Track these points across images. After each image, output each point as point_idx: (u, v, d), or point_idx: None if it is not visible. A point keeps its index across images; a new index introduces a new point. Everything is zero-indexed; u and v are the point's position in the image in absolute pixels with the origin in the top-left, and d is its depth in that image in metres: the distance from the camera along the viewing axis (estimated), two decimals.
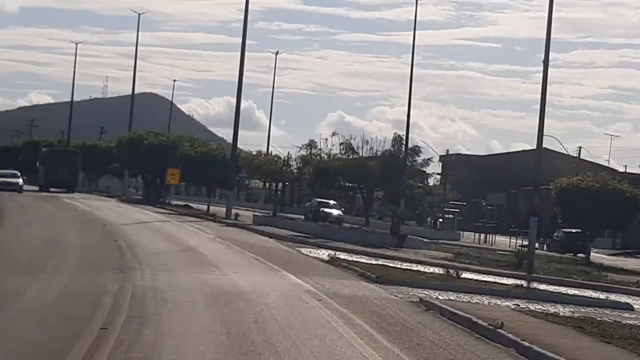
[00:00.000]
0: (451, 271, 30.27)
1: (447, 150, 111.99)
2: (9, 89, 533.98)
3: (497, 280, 33.38)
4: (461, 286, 28.11)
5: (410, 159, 52.09)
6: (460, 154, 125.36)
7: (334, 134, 52.27)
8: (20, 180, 74.75)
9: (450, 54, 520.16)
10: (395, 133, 52.19)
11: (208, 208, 66.22)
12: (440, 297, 25.07)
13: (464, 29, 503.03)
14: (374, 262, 35.90)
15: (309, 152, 53.02)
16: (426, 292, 26.17)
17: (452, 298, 25.42)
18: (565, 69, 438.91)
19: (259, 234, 47.95)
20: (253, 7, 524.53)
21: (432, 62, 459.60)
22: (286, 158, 56.45)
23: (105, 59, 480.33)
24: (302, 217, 71.93)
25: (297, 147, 55.96)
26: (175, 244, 35.22)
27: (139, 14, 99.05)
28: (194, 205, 77.81)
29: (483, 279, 33.16)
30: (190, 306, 18.64)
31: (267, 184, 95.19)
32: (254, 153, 58.61)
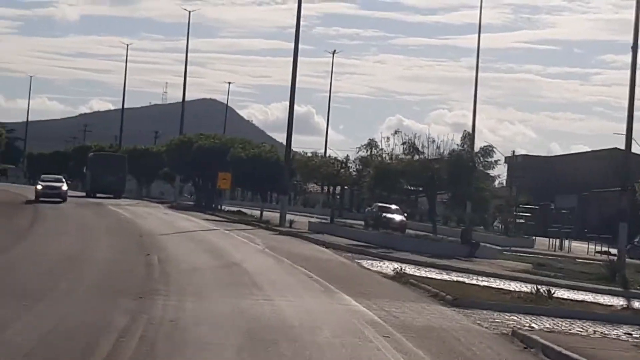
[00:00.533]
0: (541, 289, 25.34)
1: (513, 152, 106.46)
2: (71, 96, 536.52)
3: (594, 299, 28.41)
4: (556, 309, 23.23)
5: (481, 159, 47.02)
6: (527, 155, 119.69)
7: (396, 132, 47.30)
8: (65, 187, 67.82)
9: (509, 57, 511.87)
10: (465, 131, 47.17)
11: (261, 214, 61.73)
12: (534, 326, 20.30)
13: (521, 31, 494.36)
14: (446, 277, 31.12)
15: (368, 152, 48.21)
16: (515, 318, 21.41)
17: (548, 326, 20.61)
18: (625, 70, 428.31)
19: (314, 243, 43.33)
20: (310, 13, 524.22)
21: (491, 65, 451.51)
22: (344, 160, 51.75)
23: (164, 66, 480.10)
24: (362, 223, 67.42)
25: (356, 147, 51.19)
26: (217, 257, 30.69)
27: (190, 12, 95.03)
28: (248, 211, 73.44)
29: (577, 297, 28.24)
30: (217, 352, 14.02)
31: (325, 188, 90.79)
32: (309, 154, 54.03)
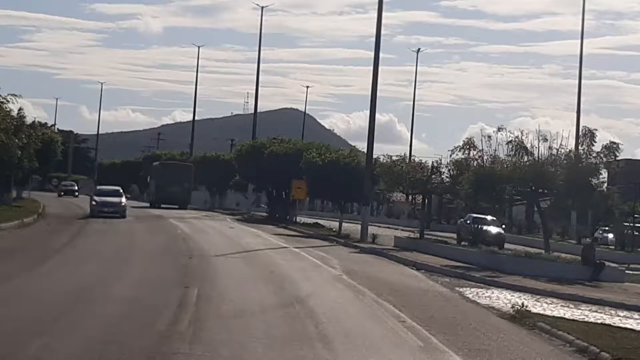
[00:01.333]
0: None
1: (615, 155, 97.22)
2: (154, 107, 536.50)
3: None
4: None
5: (601, 159, 39.01)
6: (631, 160, 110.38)
7: (499, 129, 39.36)
8: (123, 200, 58.90)
9: (591, 63, 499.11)
10: (584, 127, 39.14)
11: (340, 227, 54.49)
12: None
13: (604, 37, 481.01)
14: (580, 314, 23.52)
15: (466, 154, 40.48)
16: None
17: None
18: None
19: (402, 264, 35.90)
20: (391, 22, 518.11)
21: (573, 72, 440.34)
22: (436, 163, 44.06)
23: (246, 76, 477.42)
24: (454, 236, 59.90)
25: (450, 149, 43.61)
26: (277, 290, 23.39)
27: (262, 7, 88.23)
28: (326, 223, 66.35)
29: None
30: None
31: (411, 197, 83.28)
32: (395, 158, 46.40)
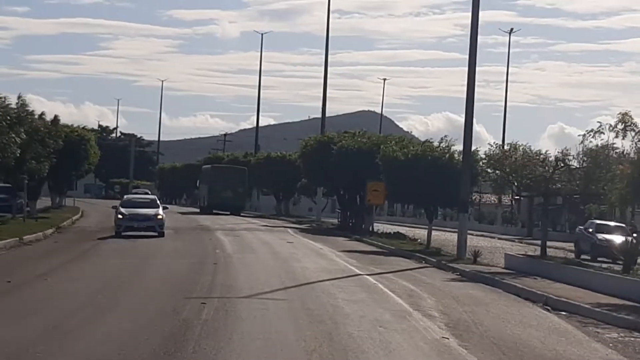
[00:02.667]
0: None
1: None
2: (232, 112, 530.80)
3: None
4: None
5: None
6: None
7: None
8: (160, 213, 44.14)
9: None
10: None
11: (429, 239, 42.84)
12: None
13: None
14: None
15: (606, 139, 28.63)
16: None
17: None
18: None
19: (529, 300, 24.13)
20: (468, 22, 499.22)
21: None
22: (561, 154, 31.90)
23: (323, 80, 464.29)
24: (565, 246, 48.48)
25: (581, 134, 31.61)
26: None
27: (328, 10, 76.98)
28: (408, 232, 54.97)
29: None
30: None
31: (509, 198, 71.59)
32: (507, 147, 34.53)
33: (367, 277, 27.60)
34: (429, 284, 26.77)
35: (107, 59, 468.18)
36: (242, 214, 74.10)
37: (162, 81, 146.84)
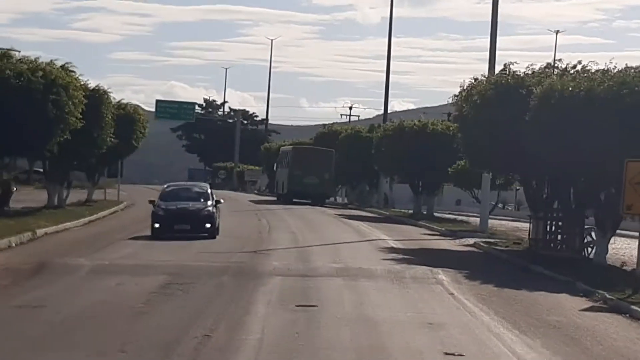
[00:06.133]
0: None
1: None
2: (370, 98, 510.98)
3: None
4: None
5: None
6: None
7: None
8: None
9: None
10: None
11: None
12: None
13: None
14: None
15: None
16: None
17: None
18: None
19: None
20: (610, 6, 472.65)
21: None
22: None
23: (462, 65, 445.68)
24: None
25: None
26: None
27: None
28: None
29: None
30: None
31: None
32: None
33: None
34: None
35: (246, 45, 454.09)
36: (334, 207, 64.14)
37: (272, 40, 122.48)
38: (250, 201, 65.54)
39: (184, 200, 33.22)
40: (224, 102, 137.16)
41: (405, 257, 28.49)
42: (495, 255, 31.43)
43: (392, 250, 31.07)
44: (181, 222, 31.96)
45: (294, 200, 65.11)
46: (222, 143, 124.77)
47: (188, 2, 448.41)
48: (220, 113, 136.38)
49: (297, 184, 66.16)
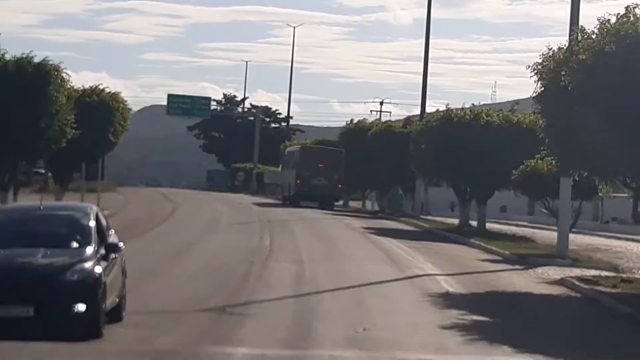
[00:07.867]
0: None
1: None
2: (401, 99, 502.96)
3: None
4: None
5: None
6: None
7: None
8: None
9: None
10: None
11: None
12: None
13: None
14: None
15: None
16: None
17: None
18: None
19: None
20: None
21: None
22: None
23: (493, 67, 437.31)
24: None
25: None
26: None
27: None
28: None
29: None
30: None
31: None
32: None
33: None
34: None
35: (277, 47, 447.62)
36: (361, 217, 55.26)
37: (294, 27, 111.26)
38: (254, 204, 61.88)
39: (27, 246, 14.67)
40: (244, 97, 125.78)
41: (474, 317, 17.31)
42: (609, 306, 19.91)
43: (448, 298, 19.78)
44: (9, 302, 13.66)
45: (302, 203, 62.71)
46: (242, 142, 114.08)
47: (219, 3, 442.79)
48: (240, 109, 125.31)
49: (305, 186, 63.47)
